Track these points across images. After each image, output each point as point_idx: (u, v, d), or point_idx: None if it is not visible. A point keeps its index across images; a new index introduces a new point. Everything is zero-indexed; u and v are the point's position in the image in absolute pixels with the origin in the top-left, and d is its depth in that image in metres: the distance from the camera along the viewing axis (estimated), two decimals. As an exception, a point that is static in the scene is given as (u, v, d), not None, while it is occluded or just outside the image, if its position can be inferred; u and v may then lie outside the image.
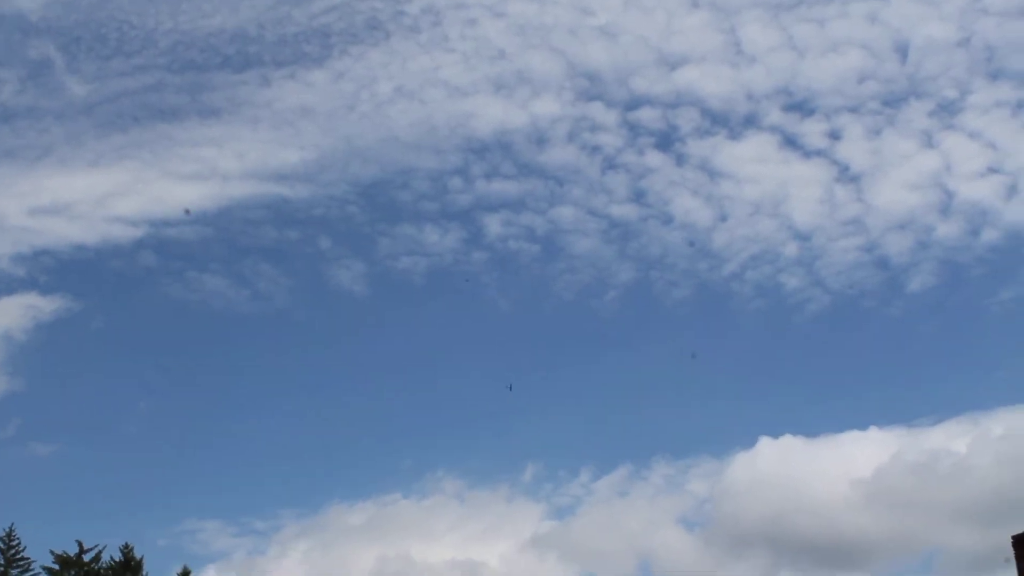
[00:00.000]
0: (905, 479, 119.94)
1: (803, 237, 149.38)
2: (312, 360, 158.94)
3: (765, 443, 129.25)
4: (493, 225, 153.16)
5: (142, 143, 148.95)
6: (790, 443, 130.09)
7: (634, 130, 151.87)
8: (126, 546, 77.79)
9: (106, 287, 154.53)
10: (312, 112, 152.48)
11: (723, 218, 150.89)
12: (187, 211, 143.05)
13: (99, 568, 75.81)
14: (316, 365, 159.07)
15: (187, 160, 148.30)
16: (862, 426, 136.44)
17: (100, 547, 77.29)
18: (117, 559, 76.97)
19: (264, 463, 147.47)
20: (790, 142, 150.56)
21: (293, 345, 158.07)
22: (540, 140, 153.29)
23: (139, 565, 76.91)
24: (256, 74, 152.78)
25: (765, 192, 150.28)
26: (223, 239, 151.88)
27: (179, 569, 77.01)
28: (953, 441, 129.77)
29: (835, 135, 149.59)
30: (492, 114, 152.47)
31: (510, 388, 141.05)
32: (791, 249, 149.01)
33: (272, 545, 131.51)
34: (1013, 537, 30.77)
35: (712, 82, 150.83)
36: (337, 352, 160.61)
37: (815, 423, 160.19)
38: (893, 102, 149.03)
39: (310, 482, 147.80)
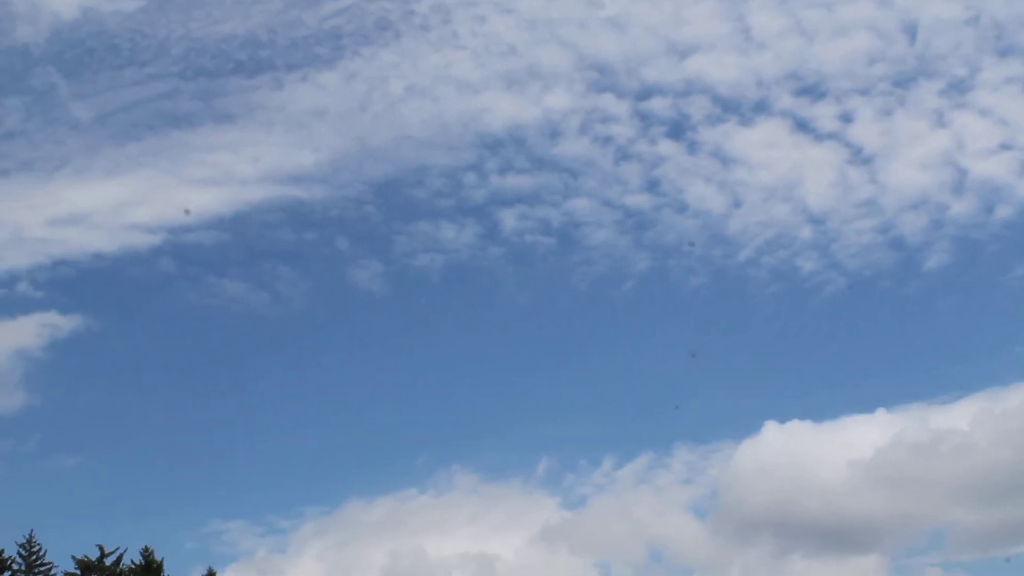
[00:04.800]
0: (908, 459, 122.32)
1: (817, 220, 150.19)
2: (331, 360, 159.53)
3: (770, 428, 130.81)
4: (508, 219, 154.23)
5: (158, 151, 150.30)
6: (796, 427, 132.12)
7: (646, 120, 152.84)
8: (146, 549, 77.24)
9: (125, 295, 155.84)
10: (325, 114, 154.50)
11: (737, 204, 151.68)
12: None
13: (120, 571, 75.60)
14: (335, 365, 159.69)
15: (203, 166, 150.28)
16: (871, 409, 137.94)
17: (121, 550, 77.12)
18: (138, 562, 76.56)
19: (287, 462, 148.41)
20: (802, 126, 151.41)
21: (312, 346, 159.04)
22: (553, 133, 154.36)
23: (160, 567, 76.62)
24: (268, 78, 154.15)
25: (778, 177, 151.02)
26: (241, 243, 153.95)
27: (203, 570, 77.37)
28: (959, 419, 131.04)
29: (846, 117, 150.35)
30: (504, 109, 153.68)
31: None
32: (806, 233, 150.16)
33: (291, 543, 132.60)
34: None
35: (722, 69, 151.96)
36: (356, 351, 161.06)
37: (827, 407, 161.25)
38: (903, 82, 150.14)
39: (331, 480, 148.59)
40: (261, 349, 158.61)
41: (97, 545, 76.44)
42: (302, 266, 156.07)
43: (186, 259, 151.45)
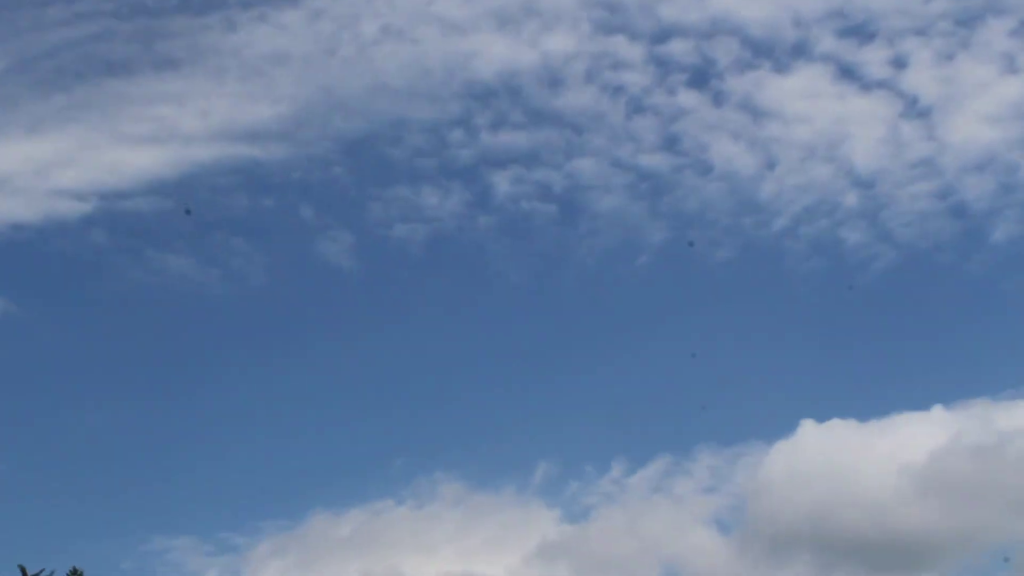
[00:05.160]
0: (969, 464, 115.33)
1: (865, 184, 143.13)
2: (294, 349, 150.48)
3: (807, 428, 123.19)
4: (502, 183, 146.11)
5: (88, 103, 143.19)
6: (838, 427, 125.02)
7: (663, 66, 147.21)
8: (74, 570, 63.24)
9: (50, 273, 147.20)
10: (286, 59, 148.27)
11: (771, 165, 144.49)
12: (187, 211, 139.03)
13: (44, 595, 70.44)
14: (299, 354, 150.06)
15: (142, 121, 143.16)
16: (926, 406, 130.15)
17: (46, 573, 63.30)
18: (64, 585, 70.71)
19: (242, 470, 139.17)
20: (847, 73, 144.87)
21: (272, 331, 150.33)
22: (554, 82, 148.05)
23: (82, 585, 72.34)
24: (219, 17, 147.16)
25: (819, 133, 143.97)
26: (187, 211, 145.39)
27: None
28: None
29: (900, 63, 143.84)
30: (496, 53, 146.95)
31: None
32: (851, 199, 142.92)
33: (246, 563, 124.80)
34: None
35: (753, 6, 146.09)
36: (323, 338, 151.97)
37: (874, 403, 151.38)
38: (967, 21, 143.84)
39: (293, 490, 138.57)
40: (211, 336, 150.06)
41: (19, 566, 62.44)
42: (259, 238, 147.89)
43: (122, 230, 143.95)
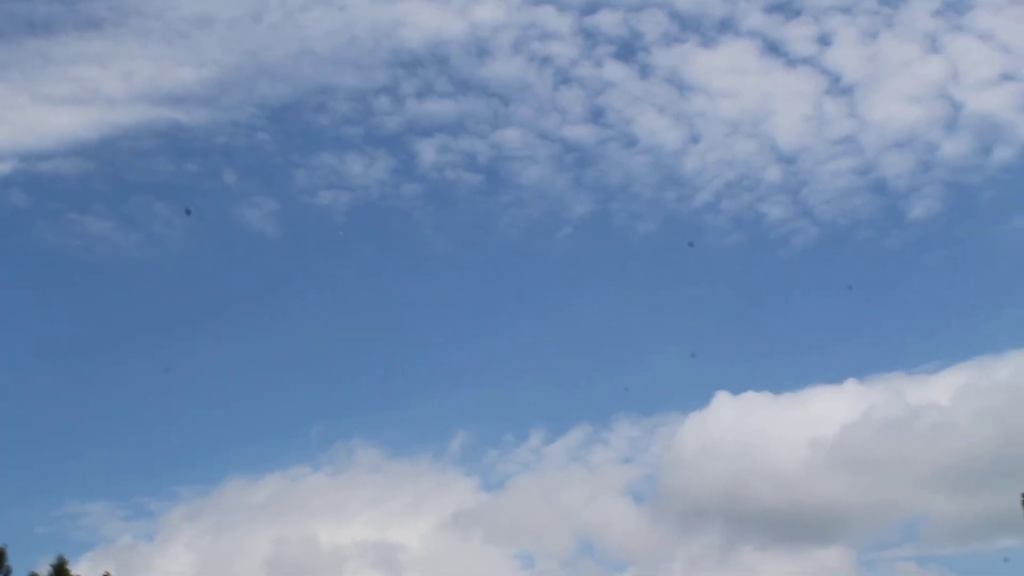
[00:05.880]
0: (879, 438, 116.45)
1: (788, 160, 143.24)
2: (213, 313, 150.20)
3: (722, 399, 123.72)
4: (427, 152, 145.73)
5: (8, 63, 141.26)
6: (752, 400, 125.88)
7: (591, 38, 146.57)
8: None
9: None
10: (212, 22, 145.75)
11: (695, 139, 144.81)
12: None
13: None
14: (218, 319, 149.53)
15: (64, 81, 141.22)
16: (839, 379, 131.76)
17: None
18: (-32, 552, 69.43)
19: (158, 435, 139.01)
20: (772, 49, 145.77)
21: (192, 296, 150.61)
22: (481, 51, 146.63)
23: (0, 556, 68.13)
24: None
25: (743, 108, 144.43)
26: (108, 174, 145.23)
27: (53, 560, 68.51)
28: (940, 393, 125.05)
29: (825, 40, 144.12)
30: (424, 22, 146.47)
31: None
32: (773, 174, 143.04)
33: (160, 529, 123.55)
34: (1024, 495, 19.33)
35: None
36: (243, 304, 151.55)
37: (789, 376, 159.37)
38: (891, 1, 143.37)
39: (210, 455, 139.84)
40: (131, 300, 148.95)
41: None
42: (181, 202, 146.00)
43: (41, 192, 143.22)
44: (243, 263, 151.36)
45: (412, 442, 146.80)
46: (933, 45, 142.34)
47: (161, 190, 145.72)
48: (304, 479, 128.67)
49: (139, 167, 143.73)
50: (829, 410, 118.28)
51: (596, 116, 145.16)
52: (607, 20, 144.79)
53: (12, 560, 68.08)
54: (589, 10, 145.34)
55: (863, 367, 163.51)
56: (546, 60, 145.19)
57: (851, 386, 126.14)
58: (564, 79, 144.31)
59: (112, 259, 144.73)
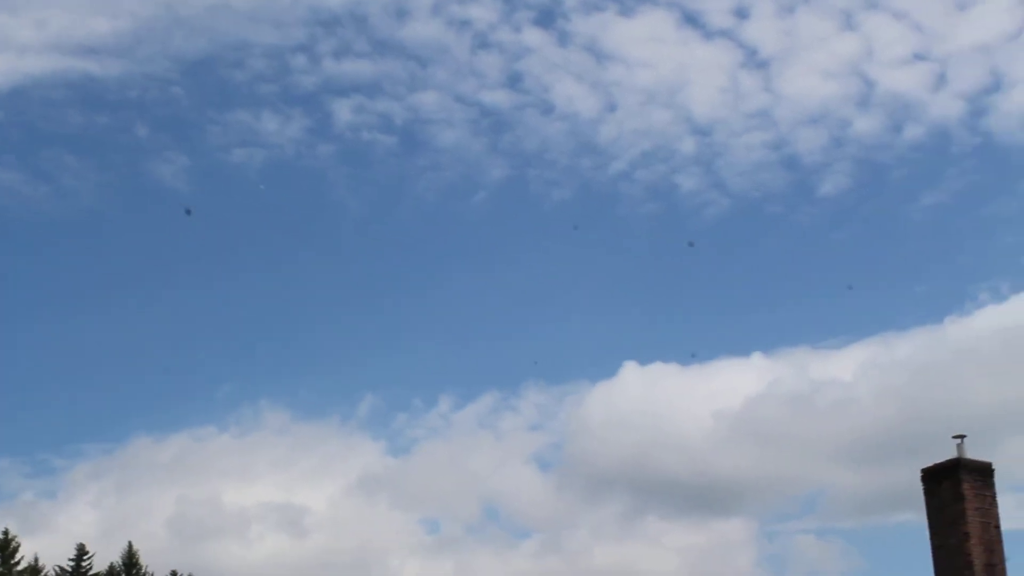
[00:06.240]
0: (782, 412, 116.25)
1: (702, 132, 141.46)
2: (122, 269, 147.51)
3: (629, 369, 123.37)
4: (343, 112, 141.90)
5: None
6: (659, 371, 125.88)
7: (511, 3, 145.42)
8: None
9: None
10: None
11: (611, 108, 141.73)
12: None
13: None
14: (126, 275, 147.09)
15: None
16: (746, 352, 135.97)
17: None
18: None
19: (63, 389, 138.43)
20: (690, 20, 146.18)
21: (101, 251, 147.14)
22: (400, 12, 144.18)
23: None
24: None
25: (660, 78, 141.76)
26: (17, 124, 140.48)
27: None
28: (843, 369, 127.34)
29: (741, 13, 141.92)
30: None
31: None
32: (688, 145, 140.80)
33: (63, 486, 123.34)
34: (923, 471, 26.40)
35: None
36: (152, 260, 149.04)
37: (696, 348, 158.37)
38: None
39: (115, 412, 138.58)
40: (38, 252, 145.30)
41: None
42: (92, 155, 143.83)
43: None
44: (154, 219, 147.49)
45: (320, 405, 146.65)
46: (849, 22, 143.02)
47: (71, 142, 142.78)
48: (210, 440, 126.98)
49: (50, 118, 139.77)
50: (735, 383, 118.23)
51: (514, 82, 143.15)
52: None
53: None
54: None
55: (770, 341, 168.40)
56: (465, 23, 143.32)
57: (757, 359, 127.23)
58: (483, 43, 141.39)
59: (19, 210, 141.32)
